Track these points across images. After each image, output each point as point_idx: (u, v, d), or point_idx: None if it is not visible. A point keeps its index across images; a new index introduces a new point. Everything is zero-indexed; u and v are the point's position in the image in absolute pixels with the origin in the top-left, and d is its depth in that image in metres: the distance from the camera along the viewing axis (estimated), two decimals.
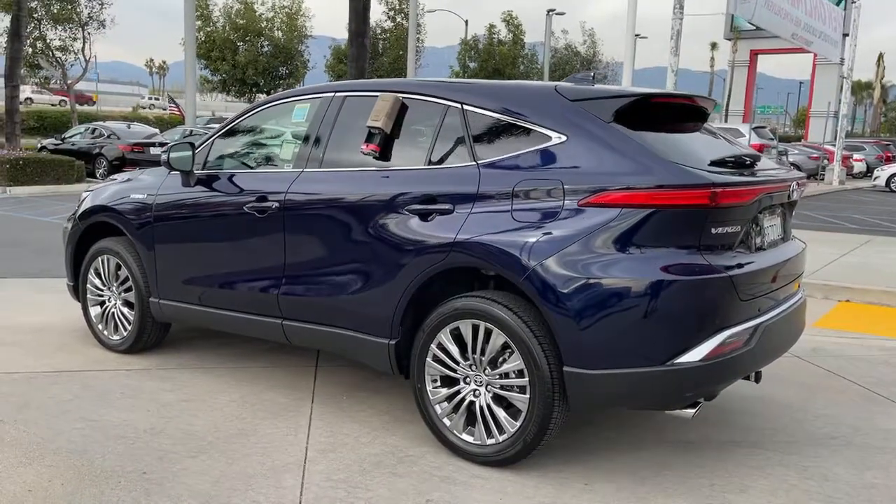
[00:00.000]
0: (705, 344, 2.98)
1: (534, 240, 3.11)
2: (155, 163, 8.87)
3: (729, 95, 51.20)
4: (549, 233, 3.10)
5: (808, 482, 3.30)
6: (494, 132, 3.44)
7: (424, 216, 3.44)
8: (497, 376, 3.27)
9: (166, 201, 4.46)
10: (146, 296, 4.63)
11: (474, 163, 3.41)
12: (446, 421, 3.44)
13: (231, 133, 4.50)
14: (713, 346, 2.98)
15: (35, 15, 26.88)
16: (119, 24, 29.47)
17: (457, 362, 3.38)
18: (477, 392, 3.35)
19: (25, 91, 30.35)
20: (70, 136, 22.52)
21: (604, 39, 51.31)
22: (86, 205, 5.00)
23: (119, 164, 19.15)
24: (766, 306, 3.30)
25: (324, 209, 3.78)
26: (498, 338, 3.23)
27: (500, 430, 3.28)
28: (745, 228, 3.20)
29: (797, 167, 26.72)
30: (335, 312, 3.77)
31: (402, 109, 3.71)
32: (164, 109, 48.37)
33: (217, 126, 4.77)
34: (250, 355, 4.89)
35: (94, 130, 22.03)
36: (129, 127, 23.57)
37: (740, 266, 3.12)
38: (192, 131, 15.29)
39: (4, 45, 21.50)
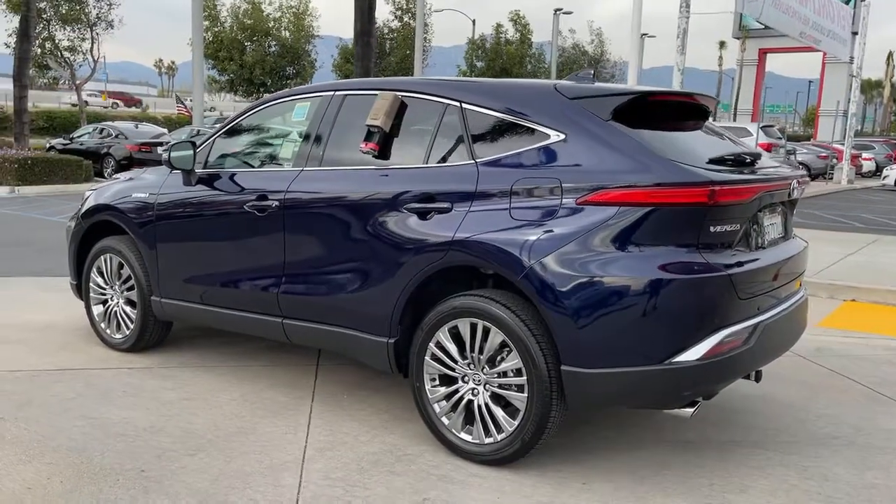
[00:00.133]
0: (703, 343, 2.96)
1: (531, 238, 3.10)
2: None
3: (737, 94, 50.99)
4: (547, 231, 3.09)
5: (808, 482, 3.28)
6: (493, 130, 3.43)
7: (423, 215, 3.44)
8: (495, 375, 3.26)
9: (168, 200, 4.47)
10: (148, 294, 4.65)
11: (473, 161, 3.40)
12: (445, 420, 3.44)
13: (232, 132, 4.51)
14: (711, 345, 2.97)
15: (44, 16, 27.02)
16: (129, 25, 29.65)
17: (455, 361, 3.38)
18: (475, 391, 3.34)
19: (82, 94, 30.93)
20: (78, 136, 22.65)
21: (611, 39, 51.21)
22: (89, 204, 5.02)
23: (127, 164, 19.26)
24: (766, 305, 3.28)
25: (323, 208, 3.78)
26: (496, 336, 3.23)
27: (499, 429, 3.27)
28: (744, 227, 3.18)
29: (806, 166, 26.62)
30: (334, 311, 3.77)
31: (402, 108, 3.71)
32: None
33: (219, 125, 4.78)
34: (252, 354, 4.90)
35: (102, 130, 22.14)
36: (136, 127, 23.69)
37: (739, 265, 3.10)
38: (198, 131, 15.33)
39: (13, 46, 21.57)
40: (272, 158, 4.44)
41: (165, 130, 25.03)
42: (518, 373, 3.18)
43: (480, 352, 3.29)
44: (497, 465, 3.31)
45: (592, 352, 3.01)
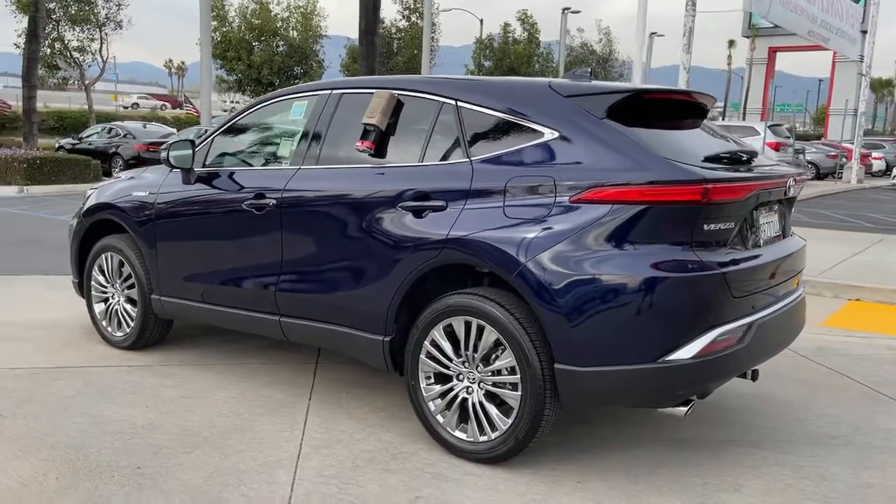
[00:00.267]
0: (697, 341, 2.95)
1: (525, 236, 3.10)
2: None
3: (747, 93, 50.83)
4: (541, 229, 3.09)
5: (803, 482, 3.27)
6: (488, 129, 3.43)
7: (418, 213, 3.44)
8: (489, 373, 3.26)
9: (167, 199, 4.49)
10: (148, 293, 4.67)
11: (467, 159, 3.40)
12: (440, 418, 3.44)
13: (231, 131, 4.52)
14: (705, 344, 2.96)
15: (53, 16, 27.18)
16: (139, 25, 29.81)
17: (450, 359, 3.38)
18: (470, 389, 3.34)
19: (132, 97, 31.46)
20: (87, 136, 22.78)
21: (620, 38, 51.12)
22: (90, 202, 5.06)
23: (135, 164, 19.36)
24: (762, 303, 3.27)
25: (319, 206, 3.79)
26: (490, 335, 3.23)
27: (493, 427, 3.27)
28: (739, 225, 3.17)
29: (815, 165, 26.49)
30: (331, 309, 3.78)
31: (398, 106, 3.72)
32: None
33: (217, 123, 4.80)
34: (252, 352, 4.92)
35: (110, 130, 22.27)
36: (144, 127, 23.80)
37: (734, 263, 3.09)
38: (206, 131, 15.41)
39: (22, 46, 21.71)
40: (270, 157, 4.45)
41: (174, 130, 25.13)
42: (512, 371, 3.18)
43: (475, 350, 3.30)
44: (491, 463, 3.31)
45: (586, 350, 3.00)
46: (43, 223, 11.41)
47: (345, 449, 3.48)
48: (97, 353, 4.84)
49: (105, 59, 29.68)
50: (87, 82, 30.24)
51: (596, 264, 2.98)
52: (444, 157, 3.50)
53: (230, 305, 4.27)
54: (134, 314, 4.80)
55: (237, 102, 41.87)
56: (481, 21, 44.73)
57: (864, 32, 23.47)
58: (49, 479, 3.10)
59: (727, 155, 3.34)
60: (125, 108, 45.15)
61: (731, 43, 70.85)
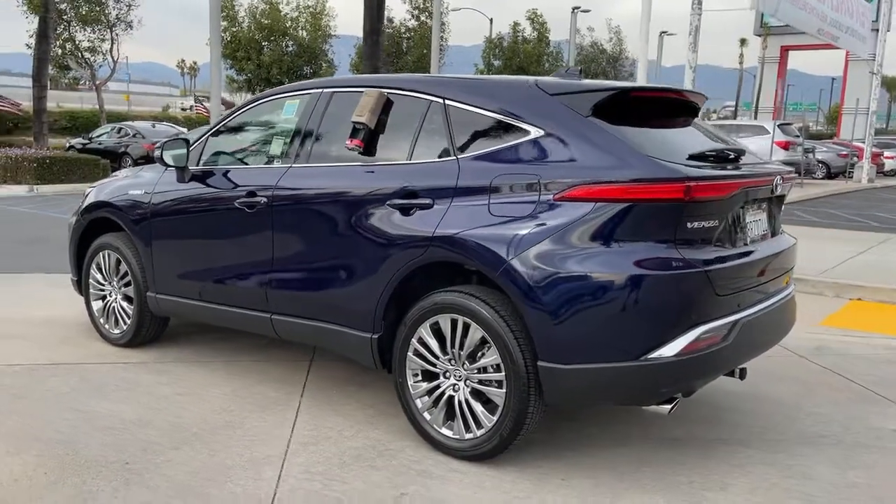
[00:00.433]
0: (680, 339, 2.95)
1: (509, 234, 3.11)
2: None
3: (759, 92, 50.48)
4: (525, 227, 3.09)
5: (789, 480, 3.26)
6: (475, 127, 3.44)
7: (406, 211, 3.46)
8: (475, 370, 3.27)
9: (162, 198, 4.53)
10: (144, 290, 4.71)
11: (454, 157, 3.42)
12: (426, 415, 3.46)
13: (225, 129, 4.55)
14: (688, 342, 2.96)
15: (64, 16, 27.38)
16: (151, 26, 29.99)
17: (437, 357, 3.39)
18: (456, 387, 3.35)
19: (189, 99, 31.80)
20: (97, 136, 22.97)
21: (630, 37, 50.89)
22: (89, 200, 5.11)
23: (144, 163, 19.46)
24: (748, 301, 3.27)
25: (310, 204, 3.81)
26: (476, 332, 3.24)
27: (478, 424, 3.28)
28: (724, 223, 3.16)
29: (826, 165, 26.31)
30: (320, 307, 3.80)
31: (387, 105, 3.73)
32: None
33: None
34: (247, 349, 4.95)
35: (120, 130, 22.47)
36: (153, 126, 23.95)
37: (718, 261, 3.09)
38: None
39: (33, 47, 21.89)
40: (263, 155, 4.48)
41: (185, 130, 25.28)
42: (497, 368, 3.19)
43: (461, 347, 3.31)
44: (477, 460, 3.32)
45: (568, 347, 3.01)
46: (51, 222, 11.50)
47: (332, 446, 3.50)
48: (95, 350, 4.88)
49: (116, 59, 29.86)
50: (97, 82, 30.44)
51: (579, 262, 2.99)
52: (432, 156, 3.51)
53: (223, 303, 4.30)
54: (131, 312, 4.85)
55: None
56: (491, 20, 44.70)
57: (876, 31, 23.29)
58: (38, 475, 3.13)
59: (713, 153, 3.33)
60: (183, 109, 47.33)
61: (743, 42, 70.40)
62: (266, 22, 35.34)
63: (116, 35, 29.17)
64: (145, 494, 3.00)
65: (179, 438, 3.53)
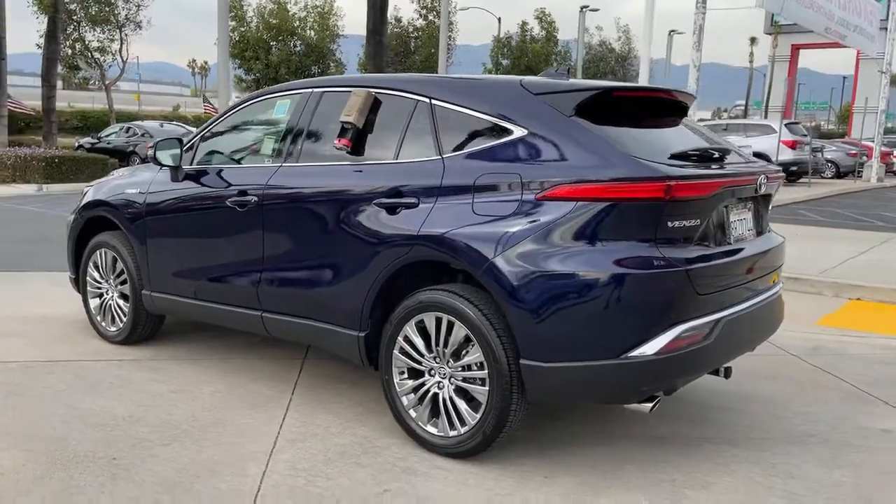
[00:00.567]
0: (660, 338, 2.96)
1: (492, 233, 3.13)
2: None
3: (769, 91, 50.32)
4: (507, 226, 3.11)
5: (772, 479, 3.26)
6: (460, 126, 3.46)
7: (392, 210, 3.48)
8: (459, 368, 3.30)
9: (156, 197, 4.57)
10: (139, 288, 4.76)
11: (439, 157, 3.44)
12: (412, 412, 3.48)
13: (218, 129, 4.59)
14: (668, 340, 2.97)
15: (74, 17, 27.56)
16: (162, 26, 30.12)
17: (422, 355, 3.42)
18: (441, 384, 3.38)
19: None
20: (106, 135, 23.14)
21: (639, 36, 50.74)
22: (87, 199, 5.17)
23: None
24: (731, 300, 3.27)
25: (299, 203, 3.85)
26: (460, 330, 3.26)
27: (462, 422, 3.30)
28: (706, 222, 3.17)
29: (835, 164, 26.15)
30: (309, 305, 3.83)
31: (375, 104, 3.76)
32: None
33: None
34: (240, 348, 4.99)
35: (128, 129, 22.63)
36: (161, 126, 24.09)
37: (700, 260, 3.10)
38: None
39: (42, 46, 22.05)
40: (254, 155, 4.51)
41: (194, 129, 25.41)
42: (480, 366, 3.21)
43: (445, 345, 3.33)
44: (461, 457, 3.34)
45: (550, 346, 3.03)
46: (58, 221, 11.52)
47: (319, 443, 3.53)
48: (91, 347, 4.93)
49: (125, 59, 30.03)
50: (107, 82, 30.63)
51: (560, 261, 3.01)
52: (418, 155, 3.53)
53: (216, 301, 4.33)
54: (127, 309, 4.89)
55: None
56: (499, 19, 44.69)
57: (884, 29, 23.13)
58: (27, 469, 3.18)
59: (697, 152, 3.34)
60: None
61: (753, 40, 70.12)
62: (274, 22, 35.45)
63: (126, 35, 29.34)
64: (131, 489, 3.03)
65: (169, 435, 3.57)
